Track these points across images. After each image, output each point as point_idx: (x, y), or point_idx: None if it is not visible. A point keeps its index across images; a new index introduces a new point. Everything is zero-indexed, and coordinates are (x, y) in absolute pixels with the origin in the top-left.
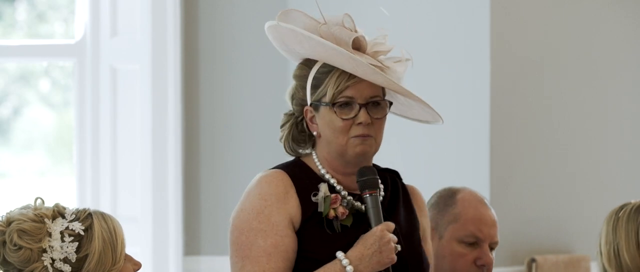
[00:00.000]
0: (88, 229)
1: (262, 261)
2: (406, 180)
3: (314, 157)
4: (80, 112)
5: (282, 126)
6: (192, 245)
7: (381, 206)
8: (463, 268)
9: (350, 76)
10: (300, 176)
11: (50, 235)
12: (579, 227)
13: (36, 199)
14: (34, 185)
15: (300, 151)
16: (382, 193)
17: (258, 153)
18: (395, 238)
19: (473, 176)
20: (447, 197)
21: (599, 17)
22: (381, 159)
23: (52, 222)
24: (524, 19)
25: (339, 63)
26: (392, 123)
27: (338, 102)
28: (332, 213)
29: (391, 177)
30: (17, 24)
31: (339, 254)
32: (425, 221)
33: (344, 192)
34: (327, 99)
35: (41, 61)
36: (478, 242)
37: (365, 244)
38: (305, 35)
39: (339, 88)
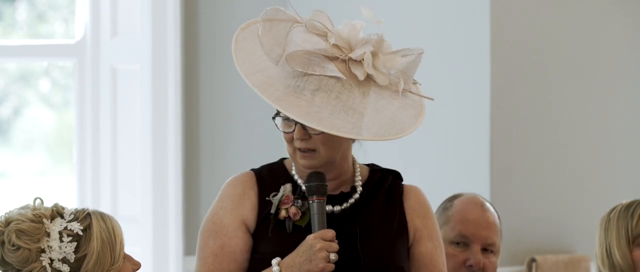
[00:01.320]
0: (87, 229)
1: (209, 261)
2: (406, 181)
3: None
4: (80, 112)
5: None
6: (192, 245)
7: (352, 204)
8: (453, 269)
9: None
10: (270, 177)
11: (48, 235)
12: (579, 227)
13: (35, 199)
14: (34, 185)
15: None
16: (357, 195)
17: (258, 153)
18: (333, 246)
19: (473, 176)
20: (447, 201)
21: (599, 17)
22: (381, 159)
23: (51, 222)
24: (524, 19)
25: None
26: None
27: (279, 116)
28: (283, 213)
29: (382, 177)
30: (17, 24)
31: (274, 261)
32: (421, 222)
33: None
34: (275, 110)
35: (41, 61)
36: (468, 242)
37: (298, 252)
38: (241, 75)
39: None
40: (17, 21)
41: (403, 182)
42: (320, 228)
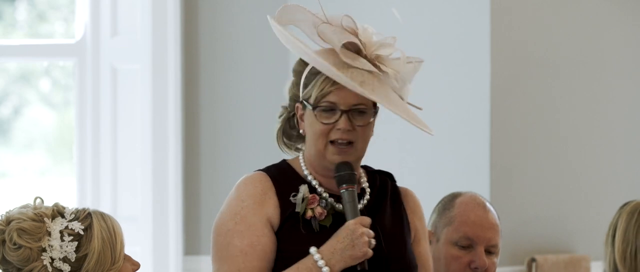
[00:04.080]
0: (87, 229)
1: (238, 260)
2: (406, 180)
3: (301, 157)
4: (80, 112)
5: (279, 118)
6: (192, 245)
7: (365, 206)
8: (457, 271)
9: (335, 81)
10: (281, 177)
11: (49, 234)
12: (579, 226)
13: (36, 198)
14: (34, 185)
15: (291, 145)
16: (368, 196)
17: (258, 153)
18: (371, 232)
19: (473, 176)
20: (448, 201)
21: (600, 17)
22: (381, 159)
23: (52, 221)
24: (524, 19)
25: (322, 70)
26: (392, 123)
27: (320, 106)
28: (309, 213)
29: (381, 179)
30: (18, 24)
31: (312, 249)
32: (419, 223)
33: (325, 194)
34: (311, 101)
35: (41, 61)
36: (472, 244)
37: (337, 238)
38: (290, 40)
39: (322, 92)
40: (17, 21)
41: (397, 184)
42: (354, 215)
